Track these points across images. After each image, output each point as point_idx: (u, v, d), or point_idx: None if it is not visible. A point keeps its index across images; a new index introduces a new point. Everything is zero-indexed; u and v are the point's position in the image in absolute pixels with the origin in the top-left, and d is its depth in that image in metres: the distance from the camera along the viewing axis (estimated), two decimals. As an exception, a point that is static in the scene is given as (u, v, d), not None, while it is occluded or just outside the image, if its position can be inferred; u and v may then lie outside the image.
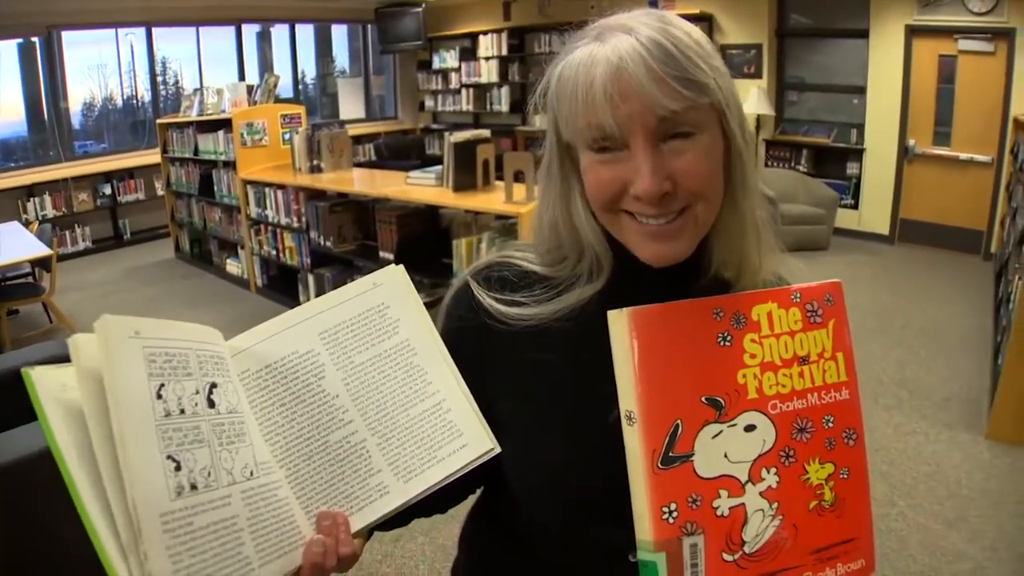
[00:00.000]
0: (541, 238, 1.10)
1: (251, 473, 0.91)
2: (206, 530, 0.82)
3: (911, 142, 8.83)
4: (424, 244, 5.48)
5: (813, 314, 0.99)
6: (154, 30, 10.93)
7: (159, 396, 0.83)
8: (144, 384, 0.82)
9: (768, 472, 0.94)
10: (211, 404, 0.89)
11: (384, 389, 1.02)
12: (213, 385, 0.91)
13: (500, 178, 5.11)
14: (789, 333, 0.98)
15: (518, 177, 4.80)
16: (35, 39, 9.90)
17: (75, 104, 10.72)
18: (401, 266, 1.09)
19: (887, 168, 9.07)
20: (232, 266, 8.38)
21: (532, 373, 1.05)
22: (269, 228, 7.35)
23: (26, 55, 10.02)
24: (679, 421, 0.91)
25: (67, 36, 10.20)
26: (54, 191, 9.95)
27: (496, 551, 1.22)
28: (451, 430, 1.02)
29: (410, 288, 1.08)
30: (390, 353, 1.04)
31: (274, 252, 7.36)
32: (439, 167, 5.57)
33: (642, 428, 0.91)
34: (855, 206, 9.42)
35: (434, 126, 13.34)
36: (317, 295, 6.64)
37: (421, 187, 5.61)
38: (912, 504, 3.84)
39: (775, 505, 0.94)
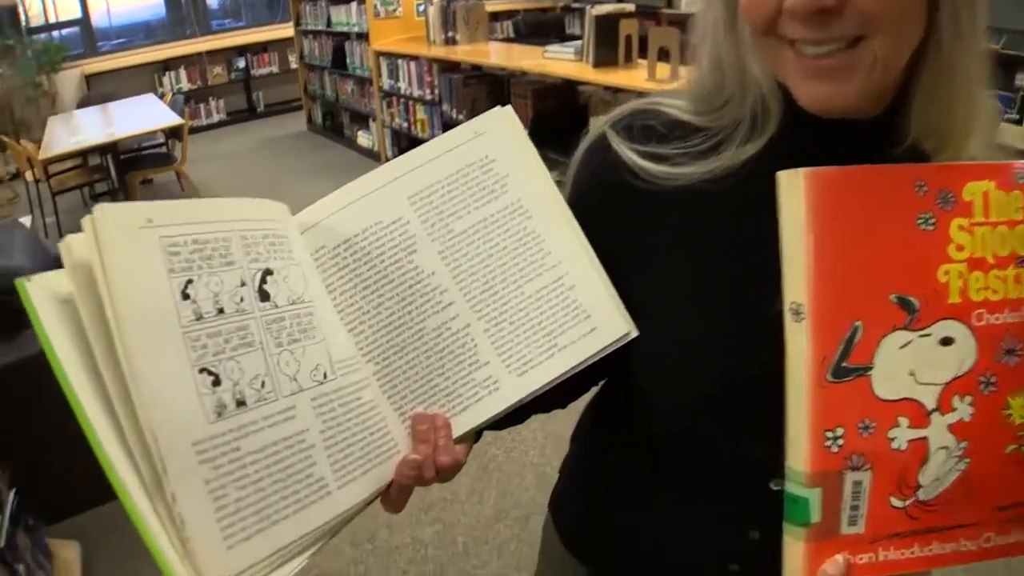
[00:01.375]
0: (698, 79, 0.89)
1: (324, 375, 0.77)
2: (261, 453, 0.70)
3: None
4: (560, 121, 5.22)
5: None
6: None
7: (185, 296, 0.68)
8: (163, 283, 0.68)
9: (961, 401, 0.73)
10: (263, 297, 0.74)
11: (491, 263, 0.85)
12: (266, 273, 0.75)
13: (643, 56, 4.79)
14: (1008, 223, 0.74)
15: (663, 55, 4.49)
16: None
17: None
18: (508, 107, 0.90)
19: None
20: (363, 139, 8.39)
21: (677, 245, 0.88)
22: (401, 100, 7.31)
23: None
24: (859, 323, 0.72)
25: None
26: (189, 65, 10.26)
27: (611, 455, 1.07)
28: (576, 311, 0.86)
29: (521, 136, 0.89)
30: (497, 217, 0.86)
31: (405, 125, 7.33)
32: (578, 42, 5.32)
33: (812, 327, 0.71)
34: (1020, 121, 8.74)
35: (575, 4, 12.87)
36: None
37: (559, 62, 5.39)
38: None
39: (964, 444, 0.74)
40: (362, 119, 8.42)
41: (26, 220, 4.29)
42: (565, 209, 0.88)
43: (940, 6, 0.74)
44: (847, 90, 0.74)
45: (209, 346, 0.68)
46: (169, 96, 8.00)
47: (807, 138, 0.79)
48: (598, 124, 0.94)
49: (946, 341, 0.73)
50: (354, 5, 7.77)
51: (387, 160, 7.57)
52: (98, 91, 8.93)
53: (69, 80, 9.37)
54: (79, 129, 6.78)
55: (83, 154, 6.60)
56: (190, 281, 0.69)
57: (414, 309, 0.84)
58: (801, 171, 0.72)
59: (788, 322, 0.73)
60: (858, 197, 0.73)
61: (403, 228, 0.85)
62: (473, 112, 6.06)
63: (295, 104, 10.36)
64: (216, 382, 0.68)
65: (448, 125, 6.45)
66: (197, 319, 0.68)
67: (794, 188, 0.72)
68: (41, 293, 0.66)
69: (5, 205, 7.48)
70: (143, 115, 6.98)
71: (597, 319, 0.85)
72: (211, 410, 0.67)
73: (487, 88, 6.22)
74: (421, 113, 6.98)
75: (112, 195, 6.90)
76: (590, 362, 0.85)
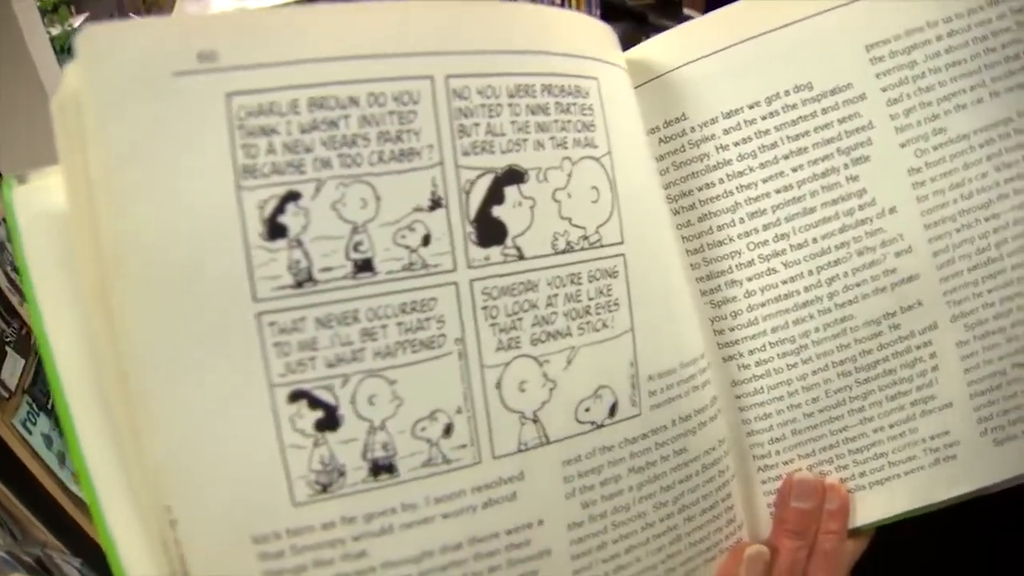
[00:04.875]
0: None
1: (612, 409, 0.39)
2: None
3: None
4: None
5: None
6: None
7: (275, 230, 0.31)
8: (225, 200, 0.31)
9: None
10: (489, 236, 0.35)
11: (1002, 210, 0.45)
12: (507, 179, 0.36)
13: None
14: None
15: None
16: None
17: None
18: None
19: None
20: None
21: None
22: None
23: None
24: None
25: None
26: None
27: None
28: None
29: None
30: None
31: (559, 2, 6.80)
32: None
33: None
34: None
35: None
36: None
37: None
38: None
39: None
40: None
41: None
42: None
43: None
44: None
45: (321, 345, 0.33)
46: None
47: None
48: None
49: None
50: None
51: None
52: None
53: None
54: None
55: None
56: (292, 196, 0.32)
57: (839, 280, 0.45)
58: None
59: None
60: None
61: (852, 108, 0.44)
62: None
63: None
64: (327, 422, 0.33)
65: (607, 3, 6.00)
66: (298, 284, 0.32)
67: None
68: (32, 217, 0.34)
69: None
70: None
71: None
72: (303, 479, 0.32)
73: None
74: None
75: None
76: None
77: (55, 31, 1.38)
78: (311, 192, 0.32)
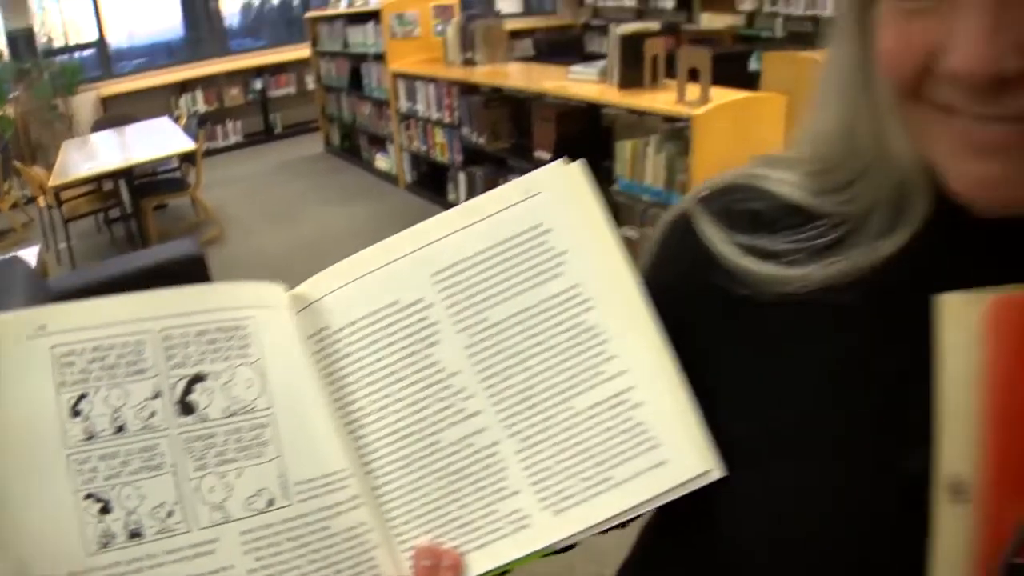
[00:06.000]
0: (816, 146, 0.67)
1: (270, 502, 0.63)
2: None
3: None
4: (584, 145, 4.95)
5: None
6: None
7: (76, 413, 0.61)
8: (49, 399, 0.61)
9: None
10: (185, 410, 0.63)
11: (533, 365, 0.66)
12: (195, 379, 0.64)
13: (670, 76, 4.60)
14: None
15: (692, 76, 4.29)
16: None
17: (232, 4, 10.93)
18: (578, 163, 0.68)
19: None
20: (381, 161, 8.25)
21: (784, 372, 0.65)
22: (419, 123, 7.15)
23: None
24: None
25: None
26: (206, 87, 10.31)
27: None
28: (641, 436, 0.64)
29: (588, 199, 0.68)
30: (547, 306, 0.66)
31: (424, 148, 7.18)
32: (602, 62, 5.12)
33: (979, 512, 0.50)
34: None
35: (595, 21, 12.71)
36: (467, 196, 6.51)
37: (583, 83, 5.19)
38: None
39: None
40: (380, 142, 8.25)
41: (32, 251, 4.13)
42: (640, 302, 0.66)
43: None
44: (1019, 175, 0.52)
45: (100, 469, 0.61)
46: (184, 119, 7.93)
47: (967, 239, 0.58)
48: (685, 198, 0.74)
49: None
50: (370, 26, 7.61)
51: (405, 185, 7.56)
52: (115, 113, 8.89)
53: (85, 103, 9.44)
54: (93, 154, 6.78)
55: (97, 179, 6.53)
56: (83, 396, 0.61)
57: (429, 416, 0.66)
58: (980, 296, 0.50)
59: (942, 500, 0.51)
60: None
61: (423, 313, 0.67)
62: (493, 135, 5.99)
63: (312, 126, 10.29)
64: (105, 509, 0.60)
65: (468, 149, 6.44)
66: (88, 439, 0.61)
67: (965, 319, 0.50)
68: None
69: (19, 230, 7.44)
70: (157, 139, 6.95)
71: (669, 450, 0.64)
72: (94, 540, 0.59)
73: (508, 111, 6.02)
74: (440, 136, 6.79)
75: (125, 220, 6.88)
76: (654, 505, 0.64)
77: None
78: (92, 393, 0.61)
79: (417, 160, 7.51)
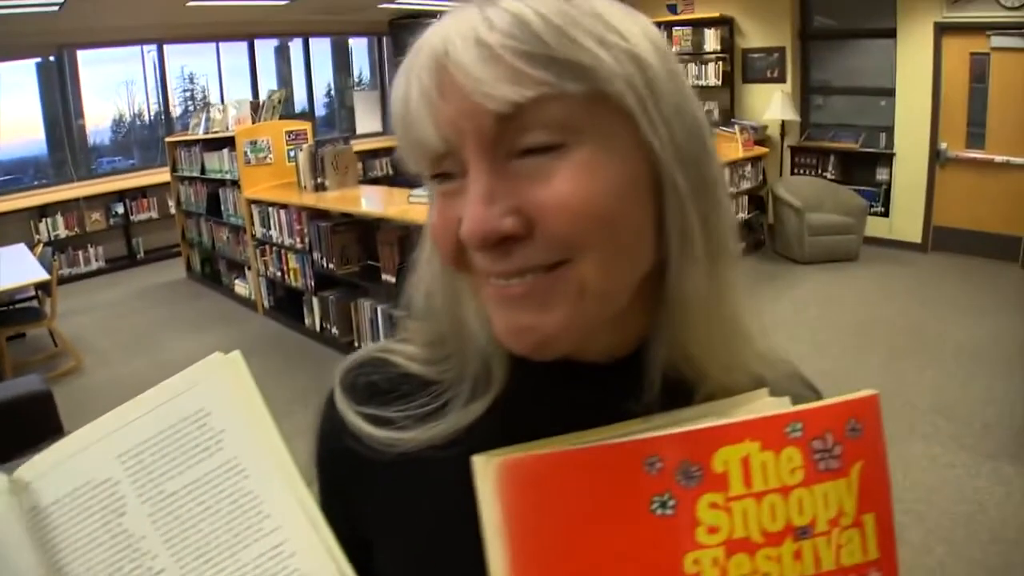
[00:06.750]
0: (418, 321, 0.80)
1: None
2: None
3: (943, 145, 8.50)
4: None
5: (825, 456, 0.61)
6: (180, 46, 10.92)
7: None
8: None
9: None
10: None
11: (204, 526, 0.76)
12: None
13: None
14: (780, 490, 0.61)
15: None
16: (51, 58, 9.94)
17: (98, 122, 10.76)
18: (234, 354, 0.80)
19: (918, 173, 8.75)
20: (240, 287, 8.25)
21: (408, 520, 0.78)
22: (274, 249, 7.21)
23: (44, 74, 10.07)
24: None
25: (88, 54, 10.23)
26: (67, 211, 9.98)
27: None
28: None
29: (243, 384, 0.78)
30: (211, 477, 0.76)
31: (279, 273, 7.20)
32: (442, 186, 5.26)
33: None
34: (886, 214, 9.12)
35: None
36: (322, 319, 6.64)
37: (423, 206, 5.26)
38: (952, 550, 3.51)
39: None
40: (239, 267, 8.26)
41: None
42: (288, 467, 0.77)
43: (665, 222, 0.64)
44: (548, 321, 0.62)
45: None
46: (39, 248, 7.76)
47: (542, 388, 0.71)
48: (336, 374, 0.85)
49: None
50: (226, 152, 7.67)
51: (264, 311, 7.56)
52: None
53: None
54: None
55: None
56: None
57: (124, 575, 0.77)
58: (494, 459, 0.60)
59: None
60: (571, 485, 0.60)
61: (112, 489, 0.76)
62: (343, 260, 6.10)
63: (175, 251, 10.14)
64: None
65: (320, 274, 6.51)
66: None
67: (489, 478, 0.60)
68: None
69: None
70: (12, 268, 6.71)
71: None
72: None
73: (356, 234, 6.16)
74: (293, 262, 6.86)
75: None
76: None
77: None
78: None
79: (274, 285, 7.54)
